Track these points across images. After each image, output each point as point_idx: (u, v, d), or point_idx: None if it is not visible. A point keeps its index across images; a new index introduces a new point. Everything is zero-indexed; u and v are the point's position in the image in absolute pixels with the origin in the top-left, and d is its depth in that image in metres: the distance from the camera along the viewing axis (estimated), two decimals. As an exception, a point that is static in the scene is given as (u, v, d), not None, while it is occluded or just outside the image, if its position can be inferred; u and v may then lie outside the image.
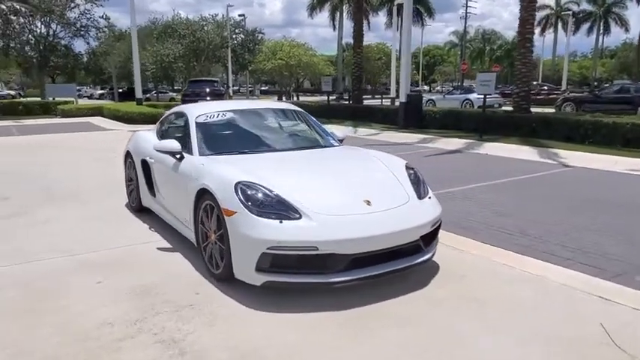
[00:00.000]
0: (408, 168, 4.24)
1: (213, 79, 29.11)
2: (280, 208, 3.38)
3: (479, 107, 15.67)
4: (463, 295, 3.53)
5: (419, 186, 4.02)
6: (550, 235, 4.96)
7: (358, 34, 21.73)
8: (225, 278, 3.60)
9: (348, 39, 30.52)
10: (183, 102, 19.63)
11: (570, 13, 50.39)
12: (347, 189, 3.76)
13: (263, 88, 62.16)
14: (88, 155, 10.50)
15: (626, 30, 55.71)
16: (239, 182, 3.52)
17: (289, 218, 3.33)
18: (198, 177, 3.93)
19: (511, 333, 3.02)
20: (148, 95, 37.88)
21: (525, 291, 3.61)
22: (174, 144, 4.41)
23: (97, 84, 56.16)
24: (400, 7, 22.24)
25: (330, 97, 22.35)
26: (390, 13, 42.42)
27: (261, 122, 5.06)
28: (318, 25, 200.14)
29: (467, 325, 3.11)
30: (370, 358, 2.77)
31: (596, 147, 10.88)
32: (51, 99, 24.97)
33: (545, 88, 34.89)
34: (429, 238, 3.79)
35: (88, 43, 32.50)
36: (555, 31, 59.41)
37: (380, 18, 65.05)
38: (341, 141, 5.16)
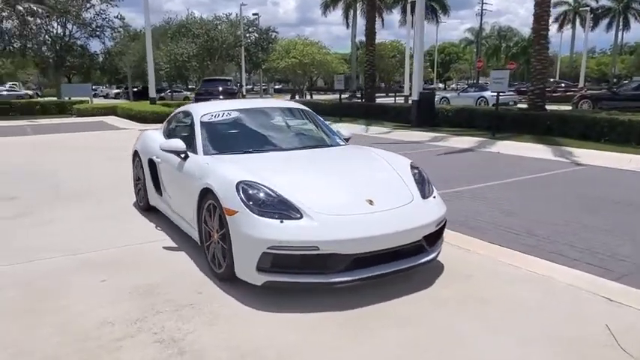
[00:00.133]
0: (412, 167, 4.20)
1: (226, 78, 29.25)
2: (281, 208, 3.38)
3: (493, 105, 15.50)
4: (467, 296, 3.50)
5: (423, 185, 3.98)
6: (558, 235, 4.88)
7: (371, 32, 21.63)
8: (227, 278, 3.60)
9: (362, 37, 30.34)
10: (197, 101, 19.76)
11: (588, 9, 49.60)
12: (350, 188, 3.74)
13: (277, 87, 62.27)
14: (99, 154, 10.62)
15: (646, 26, 54.74)
16: (241, 182, 3.52)
17: (290, 218, 3.32)
18: (201, 176, 3.94)
19: (513, 333, 2.99)
20: (162, 94, 38.19)
21: (530, 291, 3.56)
22: (178, 143, 4.43)
23: (113, 83, 56.75)
24: (414, 4, 22.08)
25: (344, 96, 22.31)
26: (404, 11, 42.22)
27: (266, 121, 5.06)
28: (331, 23, 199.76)
29: (469, 325, 3.08)
30: (370, 358, 2.75)
31: (611, 145, 10.69)
32: (67, 99, 25.31)
33: (563, 85, 34.41)
34: (434, 238, 3.75)
35: (103, 43, 32.88)
36: (573, 27, 58.63)
37: (394, 16, 64.62)
38: (347, 140, 5.14)
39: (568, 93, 29.43)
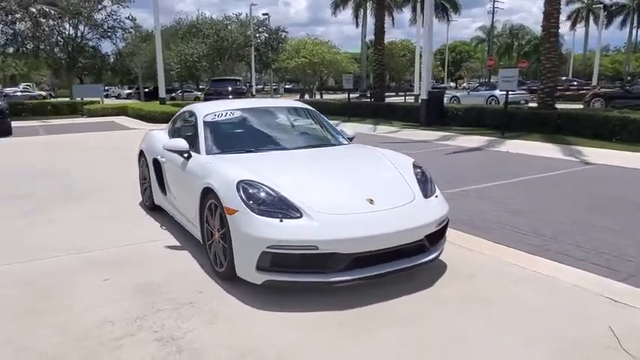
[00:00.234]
0: (415, 166, 4.18)
1: (235, 77, 29.39)
2: (281, 207, 3.38)
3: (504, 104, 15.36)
4: (470, 295, 3.47)
5: (426, 184, 3.96)
6: (565, 234, 4.83)
7: (380, 32, 21.57)
8: (228, 277, 3.61)
9: (372, 36, 30.28)
10: (206, 101, 19.84)
11: (601, 6, 49.00)
12: (351, 188, 3.72)
13: (287, 87, 62.35)
14: (109, 154, 10.69)
15: (662, 23, 53.98)
16: (241, 181, 3.53)
17: (290, 217, 3.32)
18: (203, 176, 3.96)
19: (516, 333, 2.96)
20: (173, 94, 38.43)
21: (533, 291, 3.52)
22: (181, 143, 4.45)
23: (125, 84, 57.18)
24: (424, 3, 21.98)
25: (354, 95, 22.29)
26: (414, 10, 42.02)
27: (269, 121, 5.06)
28: (342, 22, 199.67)
29: (471, 324, 3.06)
30: (370, 357, 2.74)
31: (623, 144, 10.57)
32: (79, 99, 25.57)
33: (575, 83, 34.04)
34: (435, 238, 3.73)
35: (114, 44, 33.17)
36: (587, 24, 57.95)
37: (405, 14, 64.45)
38: (351, 139, 5.12)
39: (580, 91, 29.09)
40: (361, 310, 3.25)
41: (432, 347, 2.83)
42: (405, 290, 3.51)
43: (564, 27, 58.80)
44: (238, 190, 3.46)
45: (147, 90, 39.01)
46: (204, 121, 4.64)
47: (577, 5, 55.30)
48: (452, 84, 70.70)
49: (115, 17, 31.05)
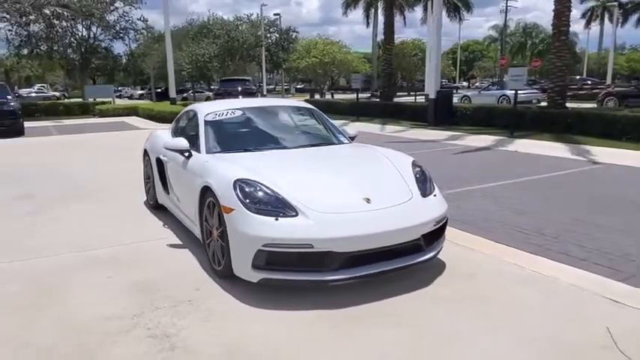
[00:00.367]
0: (414, 165, 4.16)
1: (245, 77, 29.53)
2: (277, 206, 3.39)
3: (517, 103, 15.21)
4: (468, 295, 3.45)
5: (424, 184, 3.95)
6: (568, 234, 4.78)
7: (389, 31, 21.55)
8: (226, 275, 3.62)
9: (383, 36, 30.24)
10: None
11: (616, 4, 48.34)
12: (348, 186, 3.72)
13: (299, 87, 62.44)
14: (116, 154, 10.80)
15: (679, 20, 52.95)
16: (238, 180, 3.55)
17: (286, 216, 3.33)
18: (203, 174, 3.98)
19: (511, 333, 2.94)
20: (185, 95, 38.68)
21: (532, 291, 3.50)
22: (182, 142, 4.48)
23: (137, 84, 57.71)
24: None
25: (365, 95, 22.28)
26: (425, 9, 41.71)
27: (270, 120, 5.07)
28: (354, 22, 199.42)
29: (467, 324, 3.04)
30: (366, 356, 2.74)
31: (633, 143, 10.43)
32: (91, 100, 25.85)
33: (589, 82, 33.62)
34: (433, 237, 3.72)
35: (126, 45, 33.55)
36: (602, 22, 57.14)
37: (417, 14, 64.01)
38: (352, 138, 5.12)
39: (594, 90, 28.73)
40: (357, 309, 3.25)
41: (428, 346, 2.82)
42: (403, 289, 3.50)
43: (579, 25, 58.20)
44: (235, 189, 3.48)
45: (159, 90, 39.32)
46: (205, 121, 4.67)
47: (592, 3, 54.60)
48: (464, 83, 70.20)
49: (127, 18, 31.51)
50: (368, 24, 46.94)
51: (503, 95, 25.36)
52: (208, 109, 4.86)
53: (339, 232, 3.27)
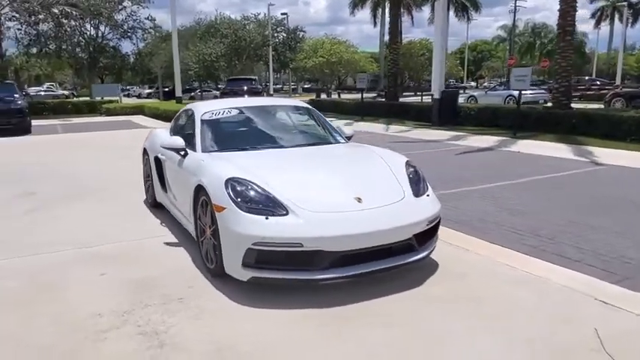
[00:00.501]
0: (408, 165, 4.16)
1: (251, 77, 29.64)
2: (268, 205, 3.41)
3: (524, 103, 15.14)
4: (459, 295, 3.45)
5: (418, 184, 3.95)
6: (564, 235, 4.76)
7: (394, 31, 21.54)
8: (219, 273, 3.64)
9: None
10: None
11: (626, 3, 47.94)
12: (341, 186, 3.73)
13: (306, 86, 62.46)
14: (120, 152, 10.85)
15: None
16: (230, 179, 3.57)
17: (275, 215, 3.35)
18: (197, 173, 4.01)
19: (500, 333, 2.94)
20: (192, 94, 38.85)
21: (523, 292, 3.49)
22: (178, 141, 4.51)
23: (145, 83, 58.01)
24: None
25: (371, 94, 22.25)
26: (433, 9, 41.61)
27: (266, 119, 5.09)
28: (362, 21, 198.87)
29: (460, 324, 3.05)
30: (354, 355, 2.75)
31: (637, 144, 10.34)
32: (98, 98, 26.04)
33: (598, 83, 33.36)
34: (426, 237, 3.72)
35: (134, 44, 33.76)
36: (611, 23, 56.77)
37: (425, 13, 63.81)
38: (349, 138, 5.13)
39: (602, 91, 28.50)
40: (347, 308, 3.26)
41: (420, 346, 2.82)
42: (394, 288, 3.51)
43: (589, 25, 57.67)
44: (227, 188, 3.50)
45: (166, 89, 39.51)
46: (201, 119, 4.70)
47: (601, 3, 54.21)
48: (472, 83, 69.88)
49: (134, 18, 31.72)
50: (375, 23, 47.01)
51: (510, 95, 25.19)
52: (205, 109, 4.89)
53: (328, 231, 3.28)
